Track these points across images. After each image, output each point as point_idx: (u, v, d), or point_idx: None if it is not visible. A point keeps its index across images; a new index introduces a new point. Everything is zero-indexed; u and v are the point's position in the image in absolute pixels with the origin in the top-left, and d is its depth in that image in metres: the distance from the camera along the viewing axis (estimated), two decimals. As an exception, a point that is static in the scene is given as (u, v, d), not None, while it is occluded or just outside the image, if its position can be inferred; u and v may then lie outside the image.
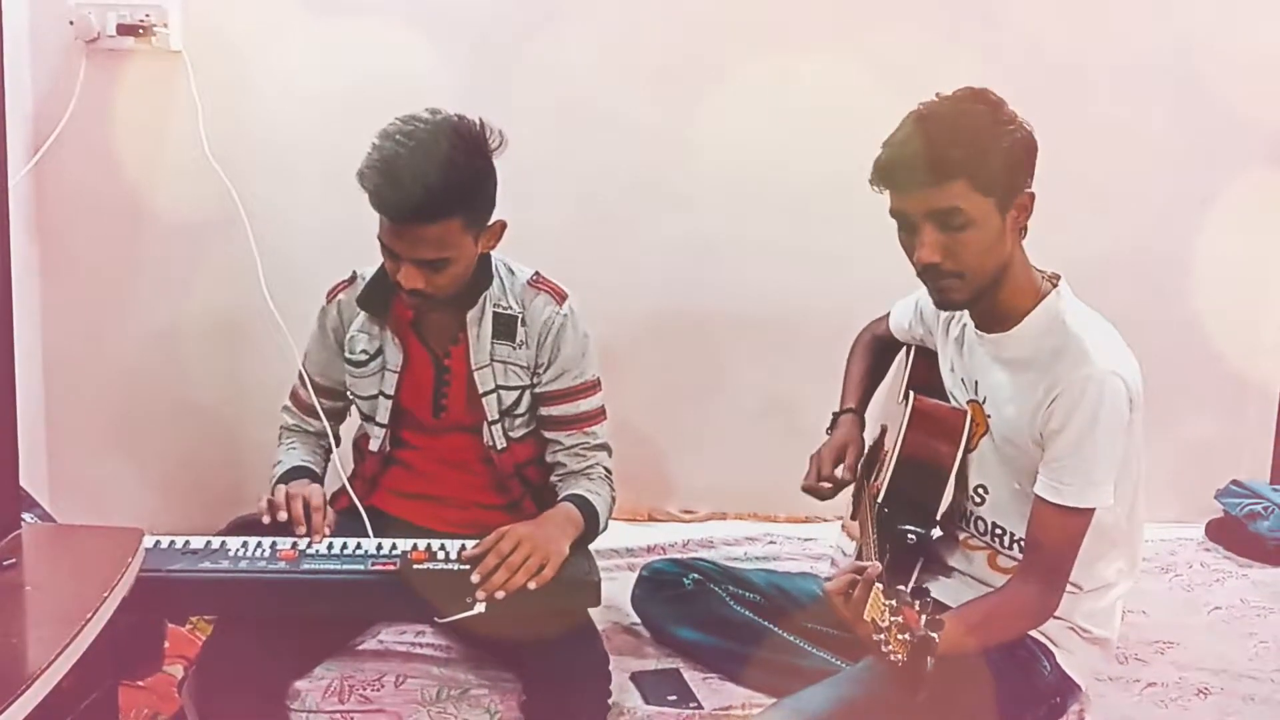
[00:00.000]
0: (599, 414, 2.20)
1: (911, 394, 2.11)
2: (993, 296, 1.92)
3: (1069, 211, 2.77)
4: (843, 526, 2.34)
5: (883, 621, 1.58)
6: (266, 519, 2.02)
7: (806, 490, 2.20)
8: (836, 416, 2.30)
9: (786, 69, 2.83)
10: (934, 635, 1.51)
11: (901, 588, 1.63)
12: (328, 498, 2.25)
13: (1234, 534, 2.84)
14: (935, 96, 1.88)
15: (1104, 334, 1.92)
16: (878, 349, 2.37)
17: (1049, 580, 1.88)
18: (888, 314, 2.32)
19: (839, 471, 2.17)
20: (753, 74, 2.83)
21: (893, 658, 1.54)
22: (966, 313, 2.01)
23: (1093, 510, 1.86)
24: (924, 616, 1.53)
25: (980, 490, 2.03)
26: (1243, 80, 2.92)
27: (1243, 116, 2.94)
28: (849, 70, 2.81)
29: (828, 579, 2.28)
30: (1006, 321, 1.94)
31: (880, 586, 1.64)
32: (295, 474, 2.18)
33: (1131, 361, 1.90)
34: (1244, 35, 2.92)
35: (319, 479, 2.22)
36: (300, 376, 2.26)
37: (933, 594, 1.69)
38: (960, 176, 1.80)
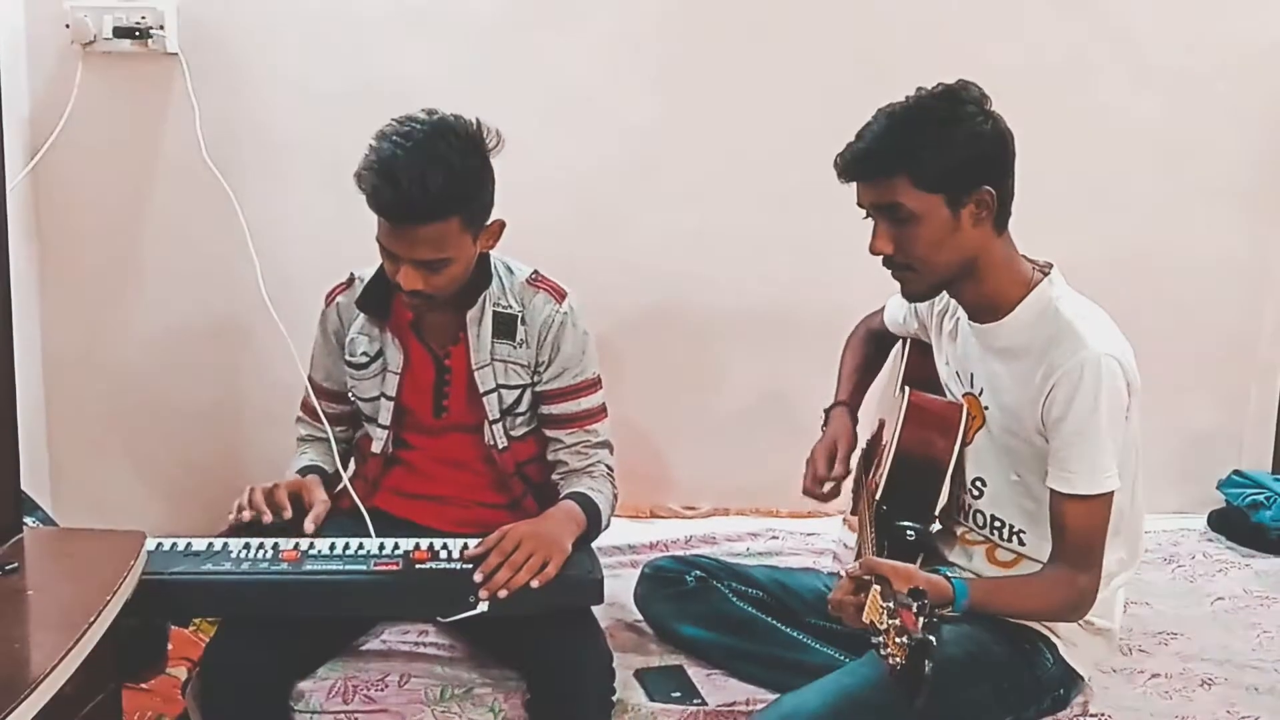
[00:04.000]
0: (600, 412, 2.20)
1: (906, 389, 2.11)
2: (977, 288, 1.93)
3: (1069, 206, 2.78)
4: (844, 521, 2.34)
5: (881, 624, 1.58)
6: (231, 517, 2.02)
7: (807, 494, 2.22)
8: (827, 412, 2.30)
9: (782, 63, 2.82)
10: (932, 639, 1.50)
11: (899, 590, 1.62)
12: (329, 496, 2.26)
13: (1236, 524, 2.84)
14: (917, 90, 1.90)
15: (1097, 319, 1.92)
16: (871, 343, 2.37)
17: (1079, 564, 1.88)
18: (882, 308, 2.33)
19: (835, 469, 2.18)
20: (749, 69, 2.83)
21: (890, 661, 1.53)
22: (959, 306, 2.02)
23: (1109, 494, 1.86)
24: (922, 619, 1.53)
25: (978, 483, 2.03)
26: (1242, 76, 2.92)
27: (1242, 111, 2.94)
28: (844, 64, 2.82)
29: (832, 573, 2.29)
30: (999, 311, 1.95)
31: (878, 589, 1.64)
32: (303, 474, 2.18)
33: (1126, 345, 1.90)
34: (1244, 31, 2.92)
35: (328, 475, 2.22)
36: (308, 384, 2.26)
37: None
38: (900, 173, 1.83)
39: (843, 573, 1.84)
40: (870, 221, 1.91)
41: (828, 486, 2.20)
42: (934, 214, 1.85)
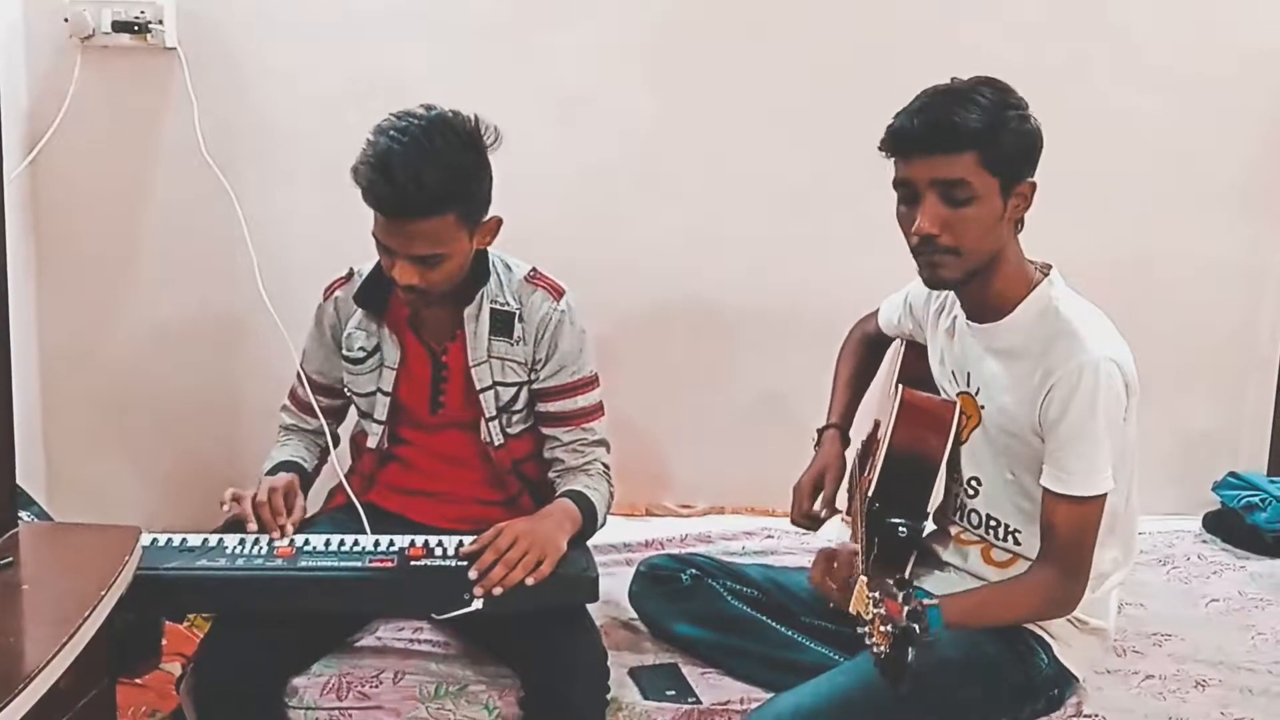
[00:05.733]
0: (597, 410, 2.20)
1: (900, 387, 2.11)
2: (985, 285, 1.92)
3: (1069, 206, 2.77)
4: (841, 519, 2.34)
5: (866, 614, 1.58)
6: (252, 527, 2.02)
7: (794, 524, 2.22)
8: (820, 433, 2.30)
9: (781, 64, 2.82)
10: (916, 626, 1.50)
11: (886, 579, 1.63)
12: (327, 494, 2.26)
13: (1231, 526, 2.84)
14: (950, 80, 1.88)
15: (1097, 321, 1.92)
16: (866, 349, 2.36)
17: (1067, 567, 1.88)
18: (876, 310, 2.32)
19: (818, 505, 2.18)
20: (747, 69, 2.83)
21: (875, 649, 1.54)
22: (957, 304, 2.01)
23: (1102, 496, 1.86)
24: (907, 608, 1.53)
25: (973, 482, 2.03)
26: (1241, 77, 2.92)
27: (1242, 112, 2.94)
28: (844, 64, 2.82)
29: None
30: (999, 311, 1.95)
31: (865, 579, 1.64)
32: (280, 469, 2.18)
33: (1125, 348, 1.90)
34: (1243, 32, 2.92)
35: (306, 473, 2.22)
36: (299, 375, 2.26)
37: (926, 589, 1.69)
38: (971, 149, 1.80)
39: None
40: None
41: (812, 522, 2.21)
42: (990, 198, 1.83)
